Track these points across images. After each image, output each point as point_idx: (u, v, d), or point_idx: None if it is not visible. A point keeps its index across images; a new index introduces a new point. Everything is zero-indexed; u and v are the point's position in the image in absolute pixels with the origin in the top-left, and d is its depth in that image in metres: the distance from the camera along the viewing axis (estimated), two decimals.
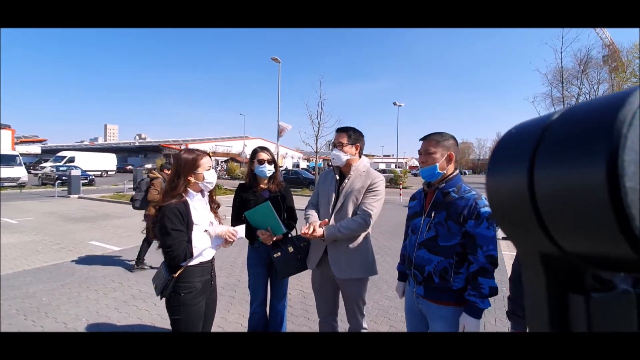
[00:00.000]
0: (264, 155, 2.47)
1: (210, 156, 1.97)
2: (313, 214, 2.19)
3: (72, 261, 5.14)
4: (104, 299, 3.72)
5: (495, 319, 3.38)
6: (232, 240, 1.97)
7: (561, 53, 18.25)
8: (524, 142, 0.24)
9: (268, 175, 2.47)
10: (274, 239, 2.33)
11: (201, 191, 1.94)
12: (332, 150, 2.18)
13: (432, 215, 1.66)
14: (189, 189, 1.86)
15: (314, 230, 1.96)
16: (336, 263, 2.06)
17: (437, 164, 1.66)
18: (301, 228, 2.03)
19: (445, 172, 1.67)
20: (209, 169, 1.90)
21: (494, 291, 1.52)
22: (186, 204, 1.81)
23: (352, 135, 2.15)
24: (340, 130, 2.17)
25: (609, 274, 0.23)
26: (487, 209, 1.56)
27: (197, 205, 1.88)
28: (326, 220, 2.05)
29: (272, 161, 2.51)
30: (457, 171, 1.72)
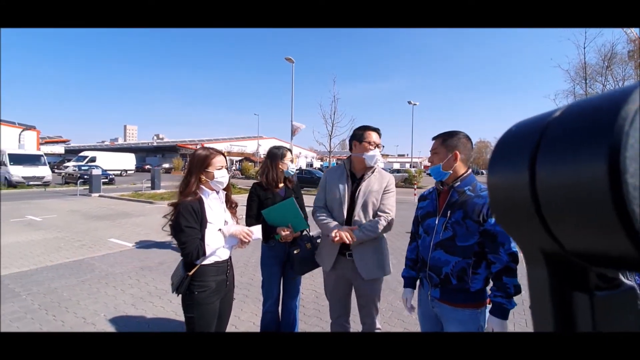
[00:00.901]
0: (291, 155, 2.56)
1: (225, 156, 1.97)
2: (331, 221, 2.09)
3: (93, 258, 5.29)
4: (121, 295, 3.81)
5: (513, 312, 3.28)
6: (247, 241, 1.96)
7: (584, 48, 17.57)
8: (525, 139, 0.24)
9: (293, 173, 2.56)
10: (294, 235, 2.37)
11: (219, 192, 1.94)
12: (371, 151, 2.07)
13: (448, 214, 1.62)
14: (203, 186, 1.86)
15: (340, 237, 1.94)
16: (363, 264, 2.04)
17: (441, 164, 1.65)
18: (330, 235, 1.98)
19: (451, 171, 1.64)
20: (220, 168, 1.89)
21: (518, 289, 1.48)
22: (201, 202, 1.82)
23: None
24: (377, 130, 2.14)
25: (613, 271, 0.23)
26: None
27: (213, 204, 1.89)
28: (354, 227, 2.02)
29: (293, 160, 2.61)
30: (470, 170, 1.68)
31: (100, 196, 14.21)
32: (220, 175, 1.88)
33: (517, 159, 0.24)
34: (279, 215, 2.33)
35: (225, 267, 1.95)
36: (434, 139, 1.73)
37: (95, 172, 15.57)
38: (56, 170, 27.91)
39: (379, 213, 2.06)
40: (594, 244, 0.20)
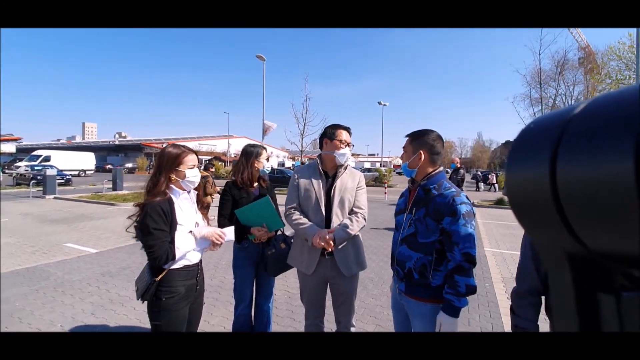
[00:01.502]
0: (266, 154, 2.53)
1: (197, 154, 1.90)
2: (307, 222, 2.05)
3: (47, 264, 4.92)
4: (80, 304, 3.57)
5: (479, 315, 3.43)
6: (219, 243, 1.89)
7: (539, 55, 18.78)
8: (545, 136, 0.23)
9: (267, 172, 2.53)
10: (269, 235, 2.34)
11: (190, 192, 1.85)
12: (341, 149, 2.08)
13: (413, 211, 1.67)
14: (173, 186, 1.77)
15: (326, 240, 1.93)
16: (343, 262, 2.05)
17: (407, 162, 1.71)
18: (311, 241, 1.97)
19: (417, 169, 1.68)
20: (192, 167, 1.81)
21: (471, 289, 1.51)
22: (171, 203, 1.73)
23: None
24: (347, 129, 2.14)
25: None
26: (466, 206, 1.56)
27: (183, 204, 1.80)
28: (332, 229, 2.00)
29: (267, 159, 2.58)
30: (441, 168, 1.72)
31: (55, 198, 13.25)
32: (192, 174, 1.80)
33: (537, 157, 0.23)
34: (253, 214, 2.28)
35: (195, 271, 1.87)
36: (407, 136, 1.78)
37: (50, 172, 14.50)
38: (6, 171, 25.74)
39: (354, 210, 2.08)
40: (619, 243, 0.19)
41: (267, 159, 2.53)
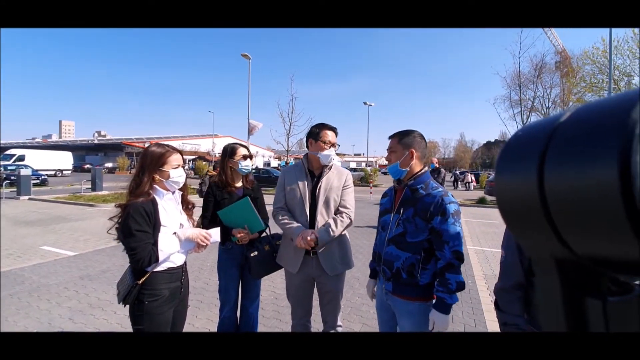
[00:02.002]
0: (245, 152, 2.42)
1: (182, 154, 1.85)
2: (293, 222, 2.05)
3: (22, 268, 4.71)
4: (57, 309, 3.44)
5: (462, 312, 3.49)
6: (204, 245, 1.85)
7: (519, 58, 19.34)
8: (533, 143, 0.24)
9: (246, 172, 2.42)
10: (251, 237, 2.29)
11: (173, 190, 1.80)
12: (325, 150, 2.07)
13: (401, 211, 1.68)
14: (156, 186, 1.72)
15: (304, 244, 1.93)
16: (328, 261, 2.04)
17: (399, 162, 1.69)
18: (295, 239, 1.97)
19: (409, 169, 1.69)
20: (177, 167, 1.76)
21: (461, 286, 1.55)
22: (154, 203, 1.68)
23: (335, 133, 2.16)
24: (334, 130, 2.14)
25: (626, 276, 0.23)
26: (454, 205, 1.60)
27: (167, 205, 1.75)
28: (315, 230, 2.00)
29: (251, 157, 2.47)
30: (426, 168, 1.74)
31: (30, 199, 12.73)
32: (177, 174, 1.75)
33: (525, 163, 0.23)
34: (234, 216, 2.25)
35: (180, 274, 1.81)
36: (390, 137, 1.78)
37: (24, 172, 13.93)
38: None
39: (340, 209, 2.08)
40: (605, 249, 0.20)
41: (247, 157, 2.41)
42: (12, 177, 15.28)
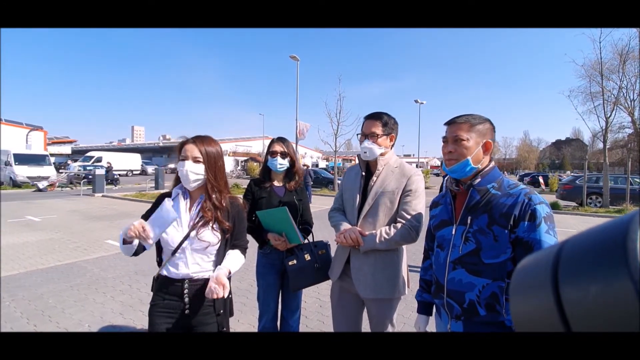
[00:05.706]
0: (277, 147, 2.19)
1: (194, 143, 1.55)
2: (342, 222, 1.77)
3: (86, 261, 5.05)
4: (110, 303, 3.54)
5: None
6: (138, 234, 1.38)
7: (600, 43, 16.85)
8: (542, 268, 0.27)
9: (279, 170, 2.18)
10: (289, 246, 2.05)
11: (185, 191, 1.57)
12: (362, 142, 1.74)
13: (468, 221, 1.24)
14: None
15: (347, 240, 1.64)
16: (359, 278, 1.69)
17: (470, 157, 1.24)
18: (335, 236, 1.71)
19: (480, 165, 1.27)
20: (184, 159, 1.48)
21: None
22: (162, 200, 1.50)
23: (387, 122, 1.75)
24: (373, 117, 1.76)
25: None
26: (545, 207, 1.15)
27: (178, 205, 1.54)
28: (365, 232, 1.68)
29: (286, 155, 2.20)
30: (493, 162, 1.31)
31: (103, 196, 14.08)
32: (183, 167, 1.47)
33: (539, 284, 0.26)
34: (272, 221, 2.02)
35: (179, 289, 1.49)
36: (449, 123, 1.32)
37: (99, 172, 15.47)
38: (62, 171, 28.04)
39: (398, 219, 1.68)
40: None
41: (278, 154, 2.16)
42: (90, 176, 17.07)
